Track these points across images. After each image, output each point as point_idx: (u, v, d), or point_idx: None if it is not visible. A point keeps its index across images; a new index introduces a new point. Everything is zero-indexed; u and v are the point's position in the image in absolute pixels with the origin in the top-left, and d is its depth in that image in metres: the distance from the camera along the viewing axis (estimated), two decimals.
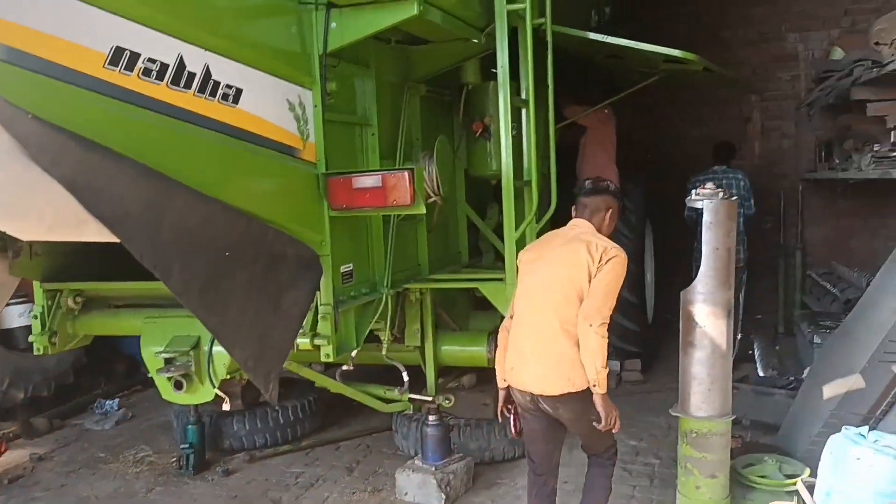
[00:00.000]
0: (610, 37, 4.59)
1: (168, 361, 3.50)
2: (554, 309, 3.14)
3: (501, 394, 3.39)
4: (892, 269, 3.97)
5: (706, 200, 3.23)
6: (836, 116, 7.23)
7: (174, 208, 2.50)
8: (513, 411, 3.41)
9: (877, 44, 5.94)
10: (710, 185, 3.29)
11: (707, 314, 3.26)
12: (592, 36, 4.61)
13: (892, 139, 5.57)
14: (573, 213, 3.43)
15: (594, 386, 3.04)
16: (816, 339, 5.64)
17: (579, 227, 3.35)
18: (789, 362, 6.24)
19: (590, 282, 3.08)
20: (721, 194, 3.22)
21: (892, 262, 4.00)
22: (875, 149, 5.91)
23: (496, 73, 3.90)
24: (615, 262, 3.12)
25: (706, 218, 3.23)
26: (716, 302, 3.25)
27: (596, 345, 3.01)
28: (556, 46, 4.31)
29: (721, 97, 8.19)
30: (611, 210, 3.37)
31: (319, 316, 3.42)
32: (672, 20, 8.15)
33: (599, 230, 3.33)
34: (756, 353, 6.51)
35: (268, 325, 2.95)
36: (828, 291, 7.08)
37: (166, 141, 2.55)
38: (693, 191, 3.29)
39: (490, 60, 4.42)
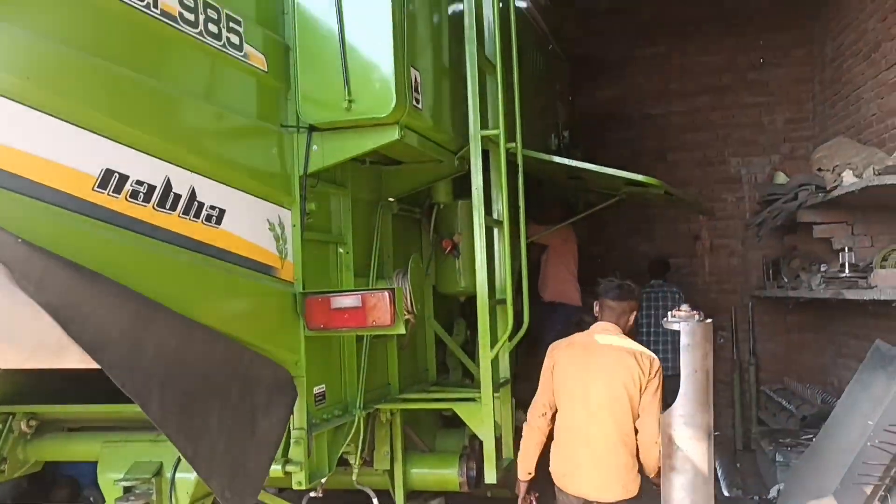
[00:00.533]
0: (580, 162, 4.75)
1: (127, 490, 3.29)
2: (613, 420, 3.42)
3: (523, 486, 3.67)
4: (856, 389, 4.05)
5: (682, 322, 3.27)
6: (782, 236, 7.55)
7: (155, 332, 2.42)
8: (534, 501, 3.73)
9: (819, 169, 6.30)
10: (685, 306, 3.34)
11: (688, 438, 3.24)
12: (564, 161, 4.77)
13: (840, 260, 5.80)
14: (596, 313, 3.70)
15: (654, 475, 3.43)
16: (779, 457, 5.66)
17: (612, 331, 3.62)
18: (752, 481, 6.23)
19: (640, 392, 3.40)
20: (697, 316, 3.27)
21: (855, 383, 4.08)
22: (823, 269, 6.16)
23: (467, 193, 3.99)
24: (660, 372, 3.48)
25: (683, 340, 3.26)
26: (696, 425, 3.24)
27: (658, 452, 3.33)
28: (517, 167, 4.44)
29: (671, 215, 8.50)
30: (634, 312, 3.70)
31: (292, 441, 3.29)
32: (620, 143, 8.53)
33: (623, 330, 3.62)
34: (718, 471, 6.48)
35: (244, 452, 2.82)
36: (783, 407, 7.17)
37: (150, 263, 2.50)
38: (669, 313, 3.33)
39: (460, 181, 4.54)
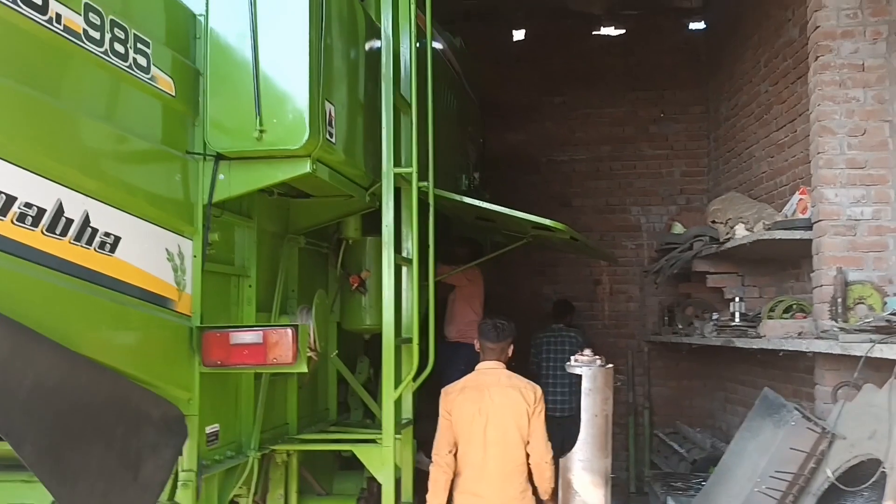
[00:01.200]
0: (491, 204, 4.79)
1: None
2: (507, 453, 3.78)
3: None
4: (745, 436, 4.20)
5: (584, 367, 3.31)
6: (677, 284, 7.84)
7: (34, 366, 2.25)
8: None
9: (713, 222, 6.59)
10: (587, 351, 3.40)
11: (587, 483, 3.27)
12: (475, 202, 4.80)
13: (732, 309, 6.05)
14: (478, 350, 4.08)
15: (549, 497, 3.78)
16: (670, 501, 5.79)
17: (498, 370, 3.99)
18: None
19: (528, 422, 3.76)
20: (599, 361, 3.32)
21: (744, 430, 4.23)
22: (715, 317, 6.41)
23: (376, 229, 3.95)
24: (542, 397, 3.85)
25: (585, 385, 3.31)
26: (594, 470, 3.28)
27: (550, 472, 3.75)
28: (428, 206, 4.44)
29: (573, 259, 8.70)
30: (511, 345, 4.10)
31: (180, 483, 3.10)
32: (527, 187, 8.71)
33: (505, 363, 4.04)
34: None
35: (125, 496, 2.64)
36: (675, 451, 7.36)
37: (34, 291, 2.33)
38: (572, 357, 3.37)
39: (369, 217, 4.49)
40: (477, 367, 4.07)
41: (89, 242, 2.55)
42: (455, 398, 3.93)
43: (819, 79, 4.85)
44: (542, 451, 3.76)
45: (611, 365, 3.37)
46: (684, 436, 7.79)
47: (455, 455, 3.91)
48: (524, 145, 8.91)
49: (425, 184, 4.25)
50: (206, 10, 3.25)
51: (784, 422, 3.96)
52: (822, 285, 4.72)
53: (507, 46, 8.84)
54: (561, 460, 3.31)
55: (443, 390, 4.05)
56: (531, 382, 3.91)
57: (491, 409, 3.80)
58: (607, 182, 8.85)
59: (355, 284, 4.62)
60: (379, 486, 4.58)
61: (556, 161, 8.90)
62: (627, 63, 8.74)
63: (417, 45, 4.44)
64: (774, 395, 4.29)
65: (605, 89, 8.81)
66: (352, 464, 4.87)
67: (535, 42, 8.82)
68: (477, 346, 4.13)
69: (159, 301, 2.97)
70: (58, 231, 2.41)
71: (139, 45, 2.82)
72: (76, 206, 2.49)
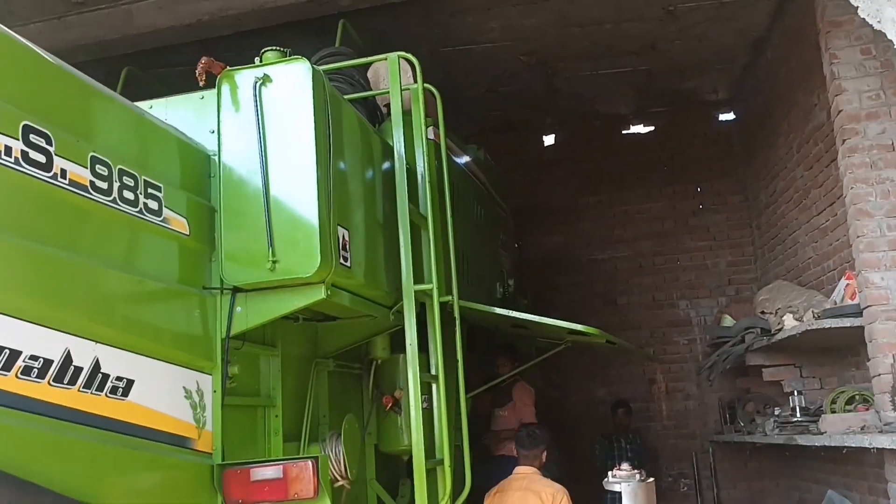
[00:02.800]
0: (517, 312, 4.72)
1: None
2: None
3: None
4: None
5: (624, 483, 3.13)
6: (735, 378, 7.50)
7: None
8: None
9: (762, 312, 6.35)
10: (625, 465, 3.22)
11: None
12: (503, 312, 4.74)
13: (791, 404, 5.73)
14: (517, 455, 4.70)
15: None
16: None
17: (530, 475, 4.55)
18: None
19: None
20: (638, 476, 3.13)
21: None
22: (776, 413, 6.07)
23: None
24: (566, 498, 4.33)
25: (626, 502, 3.11)
26: None
27: None
28: (464, 318, 4.38)
29: (625, 360, 8.45)
30: (545, 451, 4.66)
31: None
32: (570, 288, 8.60)
33: (539, 468, 4.60)
34: None
35: None
36: None
37: (41, 445, 2.32)
38: (609, 474, 3.20)
39: (399, 334, 4.45)
40: (514, 470, 4.72)
41: (100, 389, 2.56)
42: (491, 500, 4.58)
43: (849, 162, 4.73)
44: None
45: (651, 479, 3.18)
46: None
47: None
48: (564, 247, 8.87)
49: (449, 298, 4.20)
50: (219, 150, 3.37)
51: None
52: (879, 374, 4.44)
53: (538, 151, 8.96)
54: None
55: (489, 492, 4.67)
56: (555, 485, 4.45)
57: None
58: (652, 277, 8.68)
59: (389, 404, 4.52)
60: None
61: (598, 260, 8.81)
62: (660, 158, 8.73)
63: (436, 161, 4.53)
64: (840, 499, 3.97)
65: (641, 185, 8.78)
66: None
67: (567, 145, 8.92)
68: (516, 453, 4.82)
69: (177, 441, 2.93)
70: (66, 380, 2.42)
71: (150, 190, 2.92)
72: (85, 353, 2.51)
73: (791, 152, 6.90)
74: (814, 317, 5.19)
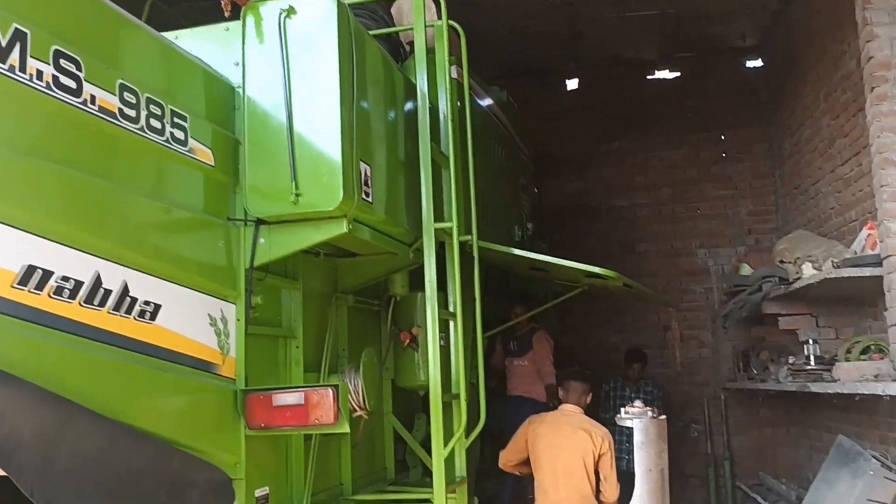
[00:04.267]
0: (536, 254, 4.75)
1: None
2: (574, 485, 4.35)
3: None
4: (822, 487, 3.95)
5: (636, 420, 3.19)
6: (750, 327, 7.53)
7: (72, 436, 2.31)
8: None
9: (781, 262, 6.34)
10: (638, 402, 3.28)
11: None
12: (522, 253, 4.76)
13: (806, 352, 5.77)
14: (562, 396, 4.71)
15: None
16: None
17: (574, 413, 4.57)
18: None
19: (594, 461, 4.28)
20: (651, 413, 3.19)
21: (819, 482, 3.98)
22: (790, 361, 6.11)
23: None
24: (612, 444, 4.29)
25: (637, 438, 3.20)
26: None
27: None
28: (480, 258, 4.43)
29: (640, 307, 8.48)
30: (591, 393, 4.71)
31: None
32: (589, 235, 8.60)
33: (583, 408, 4.61)
34: None
35: None
36: None
37: (72, 362, 2.41)
38: (622, 409, 3.26)
39: (418, 272, 4.50)
40: (560, 407, 4.73)
41: (129, 311, 2.63)
42: (537, 428, 4.60)
43: (877, 110, 4.67)
44: (611, 490, 4.32)
45: (664, 416, 3.24)
46: (769, 487, 7.39)
47: (519, 464, 4.74)
48: (584, 193, 8.84)
49: (469, 237, 4.24)
50: (244, 82, 3.38)
51: (862, 471, 3.70)
52: None
53: (561, 97, 8.85)
54: None
55: (529, 420, 4.76)
56: (603, 428, 4.39)
57: (562, 444, 4.44)
58: (671, 225, 8.66)
59: (406, 341, 4.60)
60: None
61: (617, 207, 8.78)
62: (685, 105, 8.61)
63: (458, 102, 4.51)
64: (850, 443, 4.02)
65: (664, 132, 8.69)
66: None
67: (589, 91, 8.81)
68: (561, 392, 4.78)
69: (202, 366, 3.02)
70: (96, 302, 2.49)
71: (176, 120, 2.95)
72: (115, 276, 2.58)
73: (818, 101, 6.79)
74: (833, 266, 5.19)
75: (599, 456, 4.29)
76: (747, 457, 8.04)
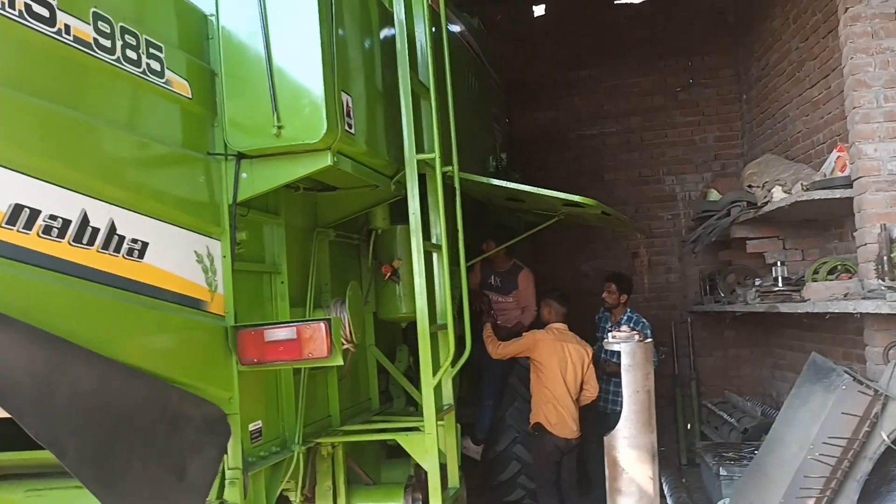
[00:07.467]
0: (516, 184, 4.74)
1: None
2: (574, 388, 5.42)
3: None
4: (795, 403, 4.10)
5: (623, 343, 3.26)
6: (717, 252, 7.69)
7: (69, 375, 2.28)
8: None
9: (749, 186, 6.44)
10: (625, 327, 3.34)
11: (633, 459, 3.23)
12: (502, 184, 4.75)
13: (774, 274, 5.92)
14: (547, 316, 5.67)
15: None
16: (723, 472, 5.69)
17: (565, 330, 5.57)
18: (698, 496, 6.25)
19: (585, 369, 5.41)
20: (637, 337, 3.26)
21: (793, 397, 4.13)
22: (757, 283, 6.27)
23: (405, 218, 3.92)
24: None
25: (624, 361, 3.26)
26: (640, 446, 3.24)
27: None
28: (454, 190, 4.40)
29: (609, 234, 8.59)
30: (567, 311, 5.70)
31: (227, 481, 3.13)
32: (557, 164, 8.61)
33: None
34: (664, 486, 6.50)
35: (173, 497, 2.68)
36: (725, 421, 7.25)
37: (64, 301, 2.35)
38: (609, 334, 3.32)
39: (398, 206, 4.47)
40: (551, 325, 5.59)
41: (117, 250, 2.57)
42: (545, 340, 5.48)
43: (850, 31, 4.69)
44: (594, 388, 5.53)
45: (650, 339, 3.31)
46: (734, 405, 7.68)
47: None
48: (553, 122, 8.82)
49: (450, 168, 4.21)
50: (217, 10, 3.24)
51: (834, 386, 3.85)
52: (866, 244, 4.59)
53: (528, 24, 8.73)
54: (606, 439, 3.27)
55: (534, 333, 5.60)
56: (585, 343, 5.53)
57: (569, 357, 5.40)
58: (639, 153, 8.72)
59: (388, 274, 4.61)
60: (426, 473, 4.61)
61: (586, 136, 8.80)
62: (653, 31, 8.57)
63: (433, 28, 4.40)
64: (823, 360, 4.18)
65: (632, 59, 8.67)
66: (398, 452, 4.86)
67: (557, 17, 8.70)
68: (546, 311, 5.68)
69: (192, 303, 2.98)
70: (84, 241, 2.42)
71: (151, 50, 2.82)
72: (101, 214, 2.50)
73: (787, 23, 6.80)
74: (802, 189, 5.28)
75: (589, 361, 5.41)
76: (712, 376, 8.32)
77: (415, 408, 4.99)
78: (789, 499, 3.80)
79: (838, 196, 4.90)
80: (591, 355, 5.47)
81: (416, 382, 5.00)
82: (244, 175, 3.25)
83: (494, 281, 6.41)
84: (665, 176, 8.64)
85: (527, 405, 5.76)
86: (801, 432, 3.92)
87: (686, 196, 8.53)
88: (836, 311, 4.52)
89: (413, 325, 5.05)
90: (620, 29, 8.58)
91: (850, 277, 5.03)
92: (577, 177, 8.50)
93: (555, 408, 5.42)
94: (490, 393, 6.08)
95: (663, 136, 8.65)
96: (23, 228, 2.21)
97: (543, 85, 8.72)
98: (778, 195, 5.60)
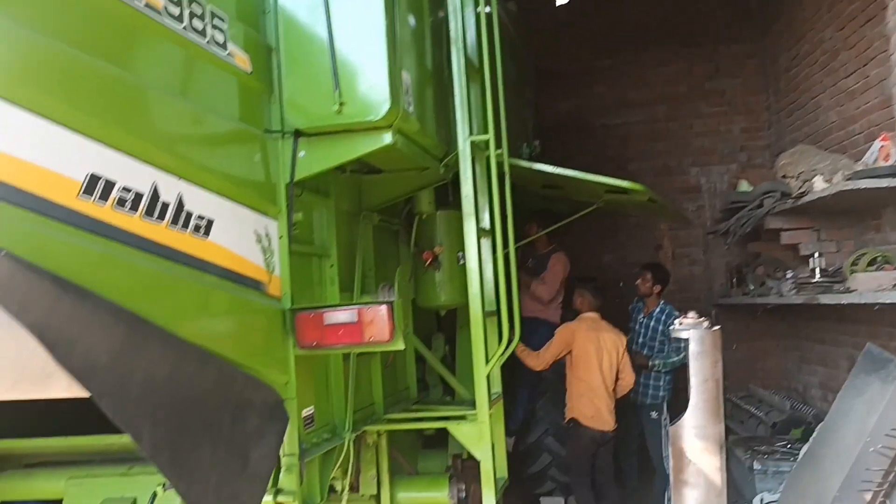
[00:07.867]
0: (566, 170, 4.64)
1: None
2: (611, 379, 5.42)
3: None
4: (850, 394, 4.02)
5: (692, 330, 3.17)
6: (745, 244, 7.59)
7: (146, 356, 2.18)
8: None
9: (784, 176, 6.35)
10: (692, 313, 3.25)
11: (700, 450, 3.14)
12: (550, 169, 4.65)
13: (811, 265, 5.83)
14: (579, 305, 5.70)
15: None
16: (757, 465, 5.61)
17: (599, 318, 5.61)
18: (729, 490, 6.16)
19: (620, 357, 5.43)
20: (706, 323, 3.17)
21: (848, 388, 4.05)
22: (791, 275, 6.18)
23: (446, 203, 3.83)
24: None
25: (693, 348, 3.18)
26: (707, 436, 3.15)
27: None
28: (501, 175, 4.30)
29: (632, 225, 8.49)
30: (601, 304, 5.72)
31: (283, 468, 3.05)
32: (581, 153, 8.49)
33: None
34: None
35: (237, 484, 2.58)
36: (752, 415, 7.16)
37: (138, 277, 2.26)
38: (676, 321, 3.23)
39: (439, 191, 4.38)
40: (584, 315, 5.61)
41: (185, 226, 2.47)
42: (580, 331, 5.46)
43: None
44: (632, 374, 5.51)
45: (718, 326, 3.23)
46: (760, 399, 7.59)
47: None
48: (577, 111, 8.70)
49: (500, 151, 4.11)
50: None
51: (892, 377, 3.77)
52: None
53: (552, 12, 8.59)
54: (671, 428, 3.18)
55: (565, 326, 5.58)
56: (622, 333, 5.58)
57: (604, 345, 5.41)
58: (664, 143, 8.60)
59: (429, 261, 4.51)
60: (463, 463, 4.53)
61: (610, 125, 8.68)
62: (678, 20, 8.44)
63: (486, 7, 4.30)
64: (879, 351, 4.09)
65: (657, 48, 8.53)
66: (434, 442, 4.80)
67: (581, 5, 8.56)
68: (578, 300, 5.70)
69: (253, 284, 2.89)
70: (156, 215, 2.33)
71: (216, 21, 2.72)
72: (170, 189, 2.41)
73: (820, 13, 6.69)
74: (844, 178, 5.19)
75: (623, 350, 5.41)
76: (737, 370, 8.21)
77: (451, 397, 4.91)
78: (846, 491, 3.72)
79: (885, 185, 4.81)
80: (625, 343, 5.46)
81: (451, 371, 4.93)
82: (302, 153, 3.16)
83: (531, 263, 6.33)
84: (690, 167, 8.53)
85: (560, 397, 5.68)
86: (857, 424, 3.84)
87: (711, 187, 8.42)
88: (888, 301, 4.44)
89: (450, 313, 5.00)
90: (644, 17, 8.44)
91: (894, 269, 4.95)
92: (601, 166, 8.28)
93: (590, 400, 5.39)
94: (524, 384, 5.99)
95: (689, 126, 8.53)
96: (98, 200, 2.11)
97: (567, 73, 8.60)
98: (819, 185, 5.50)
